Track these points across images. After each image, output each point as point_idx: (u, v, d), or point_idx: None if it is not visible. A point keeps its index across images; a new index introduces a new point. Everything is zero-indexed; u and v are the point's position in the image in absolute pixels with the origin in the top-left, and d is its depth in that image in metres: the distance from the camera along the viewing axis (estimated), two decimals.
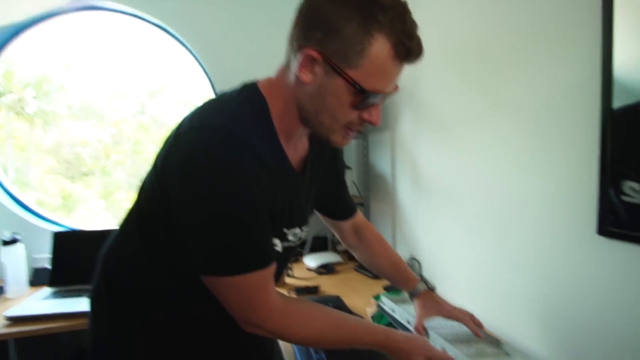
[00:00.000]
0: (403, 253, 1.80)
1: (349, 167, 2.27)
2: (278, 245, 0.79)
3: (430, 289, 1.05)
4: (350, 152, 2.39)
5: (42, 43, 2.52)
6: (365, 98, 0.66)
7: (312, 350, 1.08)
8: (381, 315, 1.29)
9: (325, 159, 0.92)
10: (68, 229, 2.03)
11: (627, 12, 0.82)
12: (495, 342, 1.02)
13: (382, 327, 0.82)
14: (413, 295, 1.06)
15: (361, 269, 1.94)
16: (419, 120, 1.74)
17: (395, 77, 0.68)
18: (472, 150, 1.38)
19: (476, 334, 0.97)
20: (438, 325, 1.00)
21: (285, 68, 0.73)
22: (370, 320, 1.30)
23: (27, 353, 1.51)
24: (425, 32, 0.70)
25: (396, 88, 0.70)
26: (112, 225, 0.83)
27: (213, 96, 0.78)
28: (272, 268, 0.71)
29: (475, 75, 1.35)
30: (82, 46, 2.69)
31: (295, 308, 0.77)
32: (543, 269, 1.09)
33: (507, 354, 0.98)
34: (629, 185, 0.84)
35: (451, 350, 0.93)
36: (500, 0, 1.22)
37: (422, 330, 1.01)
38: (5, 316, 1.42)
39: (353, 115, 0.69)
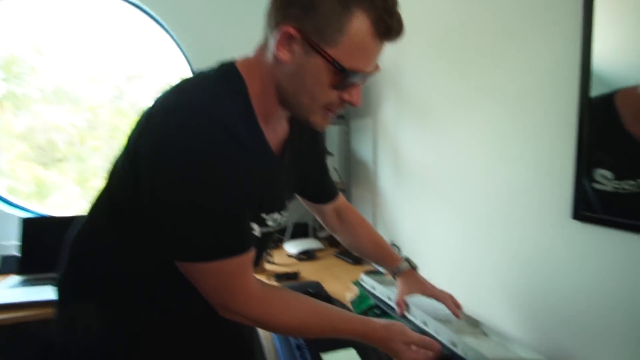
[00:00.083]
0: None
1: (331, 154, 2.26)
2: (256, 230, 0.77)
3: (413, 268, 1.06)
4: (332, 138, 2.38)
5: (9, 21, 2.40)
6: (345, 77, 0.65)
7: (290, 336, 1.08)
8: (360, 300, 1.29)
9: (306, 142, 0.91)
10: (37, 215, 1.95)
11: (607, 3, 0.83)
12: (473, 322, 1.04)
13: (361, 317, 0.82)
14: (395, 274, 1.07)
15: (342, 255, 1.94)
16: (401, 106, 1.73)
17: (376, 56, 0.66)
18: (451, 135, 1.38)
19: (455, 314, 0.99)
20: (419, 303, 1.01)
21: (263, 47, 0.70)
22: (350, 305, 1.30)
23: None
24: (408, 16, 0.69)
25: (377, 68, 0.69)
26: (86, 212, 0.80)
27: (189, 75, 0.75)
28: (251, 254, 0.70)
29: (458, 60, 1.34)
30: (54, 26, 2.58)
31: (274, 295, 0.76)
32: (519, 253, 1.11)
33: (485, 334, 1.00)
34: (600, 173, 0.86)
35: (431, 323, 0.94)
36: None
37: (403, 304, 1.02)
38: None
39: (333, 95, 0.68)
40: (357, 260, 1.86)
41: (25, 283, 1.59)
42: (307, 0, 0.61)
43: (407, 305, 1.02)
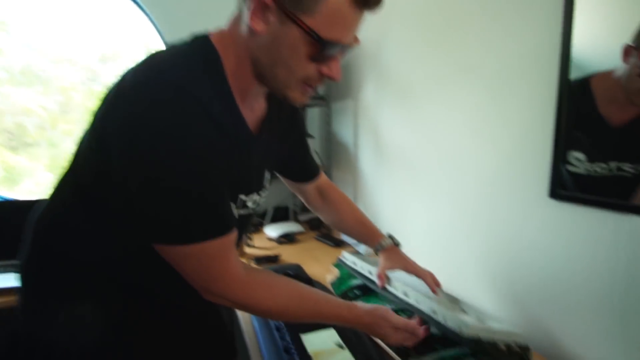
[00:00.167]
0: None
1: (311, 136, 2.23)
2: (235, 212, 0.75)
3: (396, 245, 1.06)
4: (312, 120, 2.35)
5: None
6: (323, 48, 0.62)
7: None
8: (340, 282, 1.29)
9: (285, 120, 0.88)
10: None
11: None
12: (453, 299, 1.05)
13: (346, 302, 0.82)
14: (378, 250, 1.07)
15: (322, 237, 1.94)
16: (382, 88, 1.71)
17: (355, 27, 0.64)
18: (432, 116, 1.38)
19: (433, 291, 1.00)
20: (400, 278, 1.02)
21: (237, 18, 0.67)
22: (330, 287, 1.30)
23: None
24: None
25: (356, 40, 0.66)
26: None
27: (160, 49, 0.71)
28: (233, 235, 0.68)
29: (439, 40, 1.33)
30: (20, 2, 2.45)
31: (258, 278, 0.74)
32: (497, 231, 1.12)
33: (464, 311, 1.01)
34: (574, 156, 0.87)
35: (412, 294, 0.95)
36: None
37: (384, 277, 1.02)
38: None
39: (311, 68, 0.65)
40: (337, 243, 1.86)
41: None
42: None
43: (388, 278, 1.03)
